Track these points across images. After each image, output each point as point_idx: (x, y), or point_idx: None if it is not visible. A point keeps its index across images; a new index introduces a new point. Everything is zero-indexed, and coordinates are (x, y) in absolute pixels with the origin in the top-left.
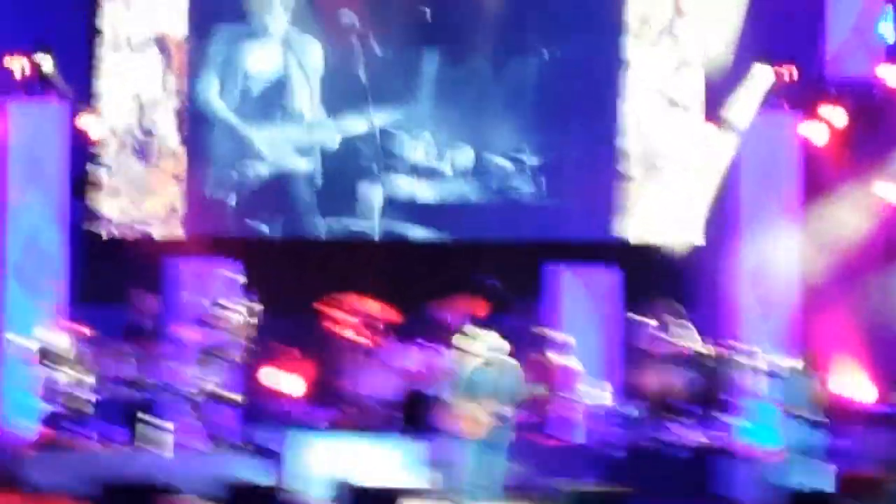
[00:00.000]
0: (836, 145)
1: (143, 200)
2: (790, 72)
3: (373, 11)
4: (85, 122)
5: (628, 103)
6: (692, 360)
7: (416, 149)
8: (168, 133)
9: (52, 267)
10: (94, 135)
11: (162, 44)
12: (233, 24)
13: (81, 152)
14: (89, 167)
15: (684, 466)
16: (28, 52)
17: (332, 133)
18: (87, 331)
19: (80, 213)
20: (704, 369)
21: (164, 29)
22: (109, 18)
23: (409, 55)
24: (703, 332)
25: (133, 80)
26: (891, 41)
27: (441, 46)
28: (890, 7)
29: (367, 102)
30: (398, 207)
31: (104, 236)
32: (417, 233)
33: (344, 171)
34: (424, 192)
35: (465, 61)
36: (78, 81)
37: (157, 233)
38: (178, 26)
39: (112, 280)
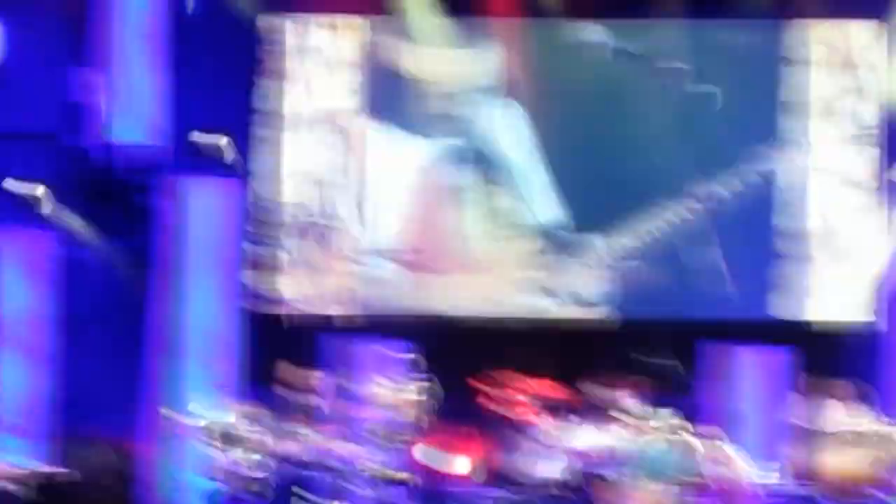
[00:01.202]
0: None
1: (317, 281)
2: None
3: None
4: (261, 201)
5: (799, 179)
6: (868, 440)
7: None
8: (345, 213)
9: (224, 347)
10: (270, 214)
11: (340, 123)
12: None
13: (257, 232)
14: (264, 247)
15: None
16: (206, 132)
17: None
18: (254, 409)
19: (253, 292)
20: (883, 449)
21: (342, 108)
22: (289, 98)
23: None
24: (882, 413)
25: (310, 159)
26: None
27: None
28: None
29: None
30: None
31: (277, 317)
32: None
33: None
34: None
35: None
36: (254, 161)
37: (330, 313)
38: (356, 105)
39: (282, 360)
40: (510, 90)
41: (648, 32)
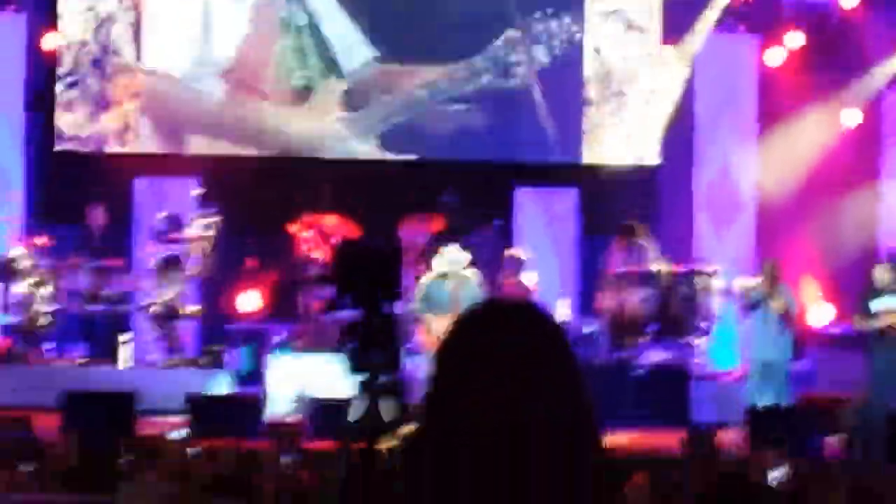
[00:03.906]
0: (793, 68)
1: (99, 115)
2: None
3: None
4: (42, 36)
5: (587, 27)
6: (652, 280)
7: None
8: (125, 48)
9: (9, 181)
10: (51, 49)
11: None
12: None
13: (39, 67)
14: (46, 82)
15: (642, 385)
16: None
17: None
18: (44, 242)
19: (37, 127)
20: (664, 289)
21: None
22: None
23: None
24: (663, 253)
25: None
26: None
27: None
28: None
29: None
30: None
31: (61, 151)
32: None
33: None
34: None
35: None
36: None
37: (114, 148)
38: None
39: (70, 195)
40: None
41: None
